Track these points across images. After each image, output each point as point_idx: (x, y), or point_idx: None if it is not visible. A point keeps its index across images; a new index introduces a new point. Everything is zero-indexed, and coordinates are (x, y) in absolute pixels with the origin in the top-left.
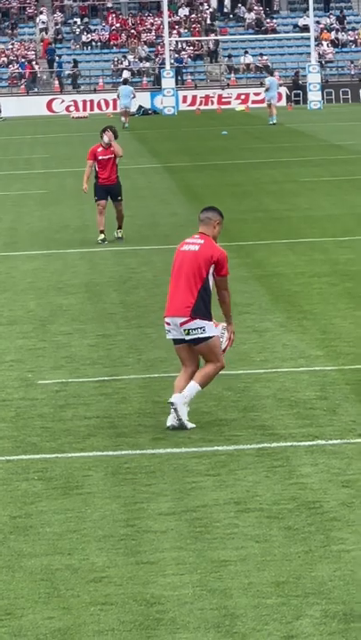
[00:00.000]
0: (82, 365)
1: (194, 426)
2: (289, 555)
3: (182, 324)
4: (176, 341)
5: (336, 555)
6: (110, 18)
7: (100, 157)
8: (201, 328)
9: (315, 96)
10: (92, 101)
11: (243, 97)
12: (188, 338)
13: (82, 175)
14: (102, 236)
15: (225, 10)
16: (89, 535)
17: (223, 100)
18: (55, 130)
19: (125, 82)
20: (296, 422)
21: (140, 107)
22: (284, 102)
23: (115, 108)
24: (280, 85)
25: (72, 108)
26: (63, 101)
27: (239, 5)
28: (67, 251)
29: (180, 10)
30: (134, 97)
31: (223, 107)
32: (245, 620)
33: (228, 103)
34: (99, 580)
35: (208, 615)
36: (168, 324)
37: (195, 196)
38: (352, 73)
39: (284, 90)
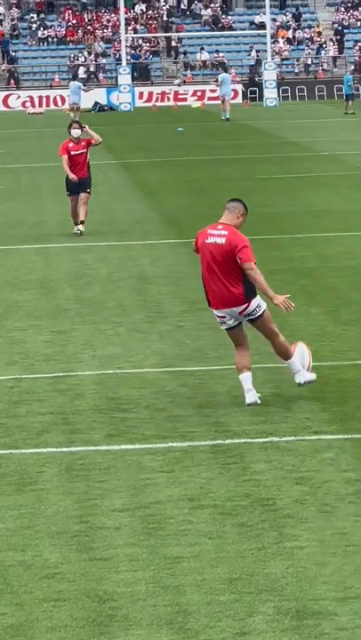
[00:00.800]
0: (36, 361)
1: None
2: (242, 551)
3: (242, 312)
4: (230, 327)
5: (289, 551)
6: (67, 14)
7: (72, 152)
8: (257, 307)
9: (271, 93)
10: (47, 97)
11: (199, 94)
12: (251, 318)
13: (40, 170)
14: (81, 227)
15: (182, 6)
16: (42, 531)
17: (179, 96)
18: (11, 125)
19: (74, 78)
20: (250, 419)
21: (97, 103)
22: (240, 99)
23: (78, 110)
24: (237, 82)
25: (28, 104)
26: (19, 97)
27: (196, 2)
28: (22, 247)
29: (137, 6)
30: (86, 90)
31: (179, 103)
32: (198, 617)
33: (185, 100)
34: (52, 577)
35: (161, 612)
36: (222, 316)
37: (151, 192)
38: (296, 71)
39: (240, 87)
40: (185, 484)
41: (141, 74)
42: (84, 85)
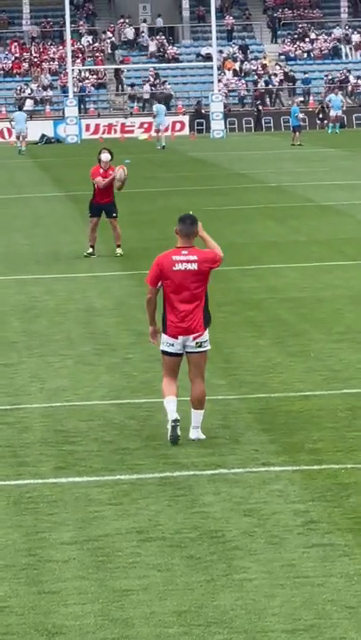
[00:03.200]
0: None
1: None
2: (191, 584)
3: (195, 337)
4: (174, 355)
5: (238, 583)
6: (13, 46)
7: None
8: (207, 341)
9: (218, 125)
10: None
11: (146, 125)
12: (197, 350)
13: None
14: (90, 250)
15: (128, 38)
16: None
17: (126, 128)
18: None
19: (20, 108)
20: (198, 451)
21: (43, 135)
22: (187, 131)
23: (24, 139)
24: (183, 114)
25: None
26: None
27: (142, 34)
28: None
29: (83, 38)
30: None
31: (126, 135)
32: None
33: (132, 132)
34: (0, 610)
35: None
36: (175, 338)
37: (99, 224)
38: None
39: (186, 119)
40: (133, 517)
41: (86, 109)
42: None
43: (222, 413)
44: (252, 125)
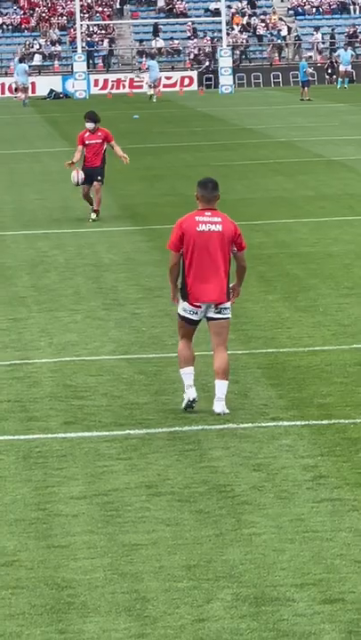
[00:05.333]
0: None
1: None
2: (200, 538)
3: (218, 304)
4: (194, 322)
5: (247, 538)
6: (22, 1)
7: (87, 142)
8: (229, 309)
9: (226, 80)
10: (2, 85)
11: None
12: (219, 316)
13: None
14: (93, 215)
15: None
16: (0, 519)
17: (135, 84)
18: None
19: (21, 60)
20: (207, 406)
21: (52, 90)
22: (195, 86)
23: (26, 91)
24: (191, 69)
25: None
26: None
27: None
28: None
29: None
30: (29, 74)
31: (134, 91)
32: (156, 604)
33: (140, 87)
34: (9, 564)
35: (119, 599)
36: (199, 306)
37: (107, 179)
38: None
39: (195, 74)
40: (142, 472)
41: (94, 64)
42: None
43: (231, 368)
44: (261, 80)
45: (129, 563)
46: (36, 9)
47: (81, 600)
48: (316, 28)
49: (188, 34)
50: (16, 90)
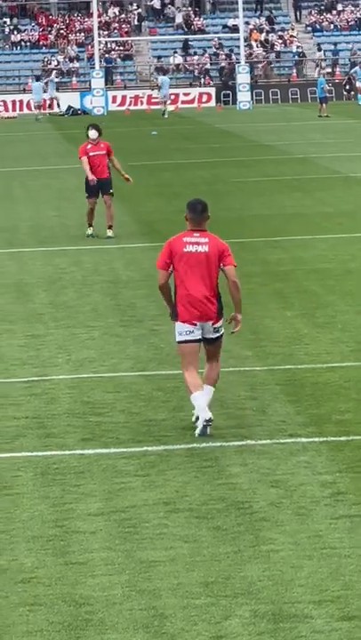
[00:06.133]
0: (11, 366)
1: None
2: (218, 555)
3: (213, 323)
4: (193, 342)
5: (265, 555)
6: (40, 18)
7: (91, 154)
8: (222, 326)
9: (244, 96)
10: (21, 101)
11: (172, 97)
12: (215, 336)
13: (13, 175)
14: (90, 230)
15: (154, 9)
16: (18, 536)
17: (153, 100)
18: None
19: (38, 79)
20: (226, 422)
21: (70, 107)
22: (213, 103)
23: (44, 108)
24: (210, 86)
25: (1, 108)
26: None
27: (168, 6)
28: None
29: (110, 10)
30: (45, 91)
31: (153, 107)
32: (174, 621)
33: (158, 104)
34: (27, 581)
35: (137, 616)
36: (194, 324)
37: (125, 196)
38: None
39: (213, 90)
40: (160, 488)
41: (113, 81)
42: (56, 90)
43: (249, 385)
44: (279, 97)
45: (147, 579)
46: (54, 25)
47: (99, 617)
48: (335, 45)
49: (214, 49)
50: (37, 108)
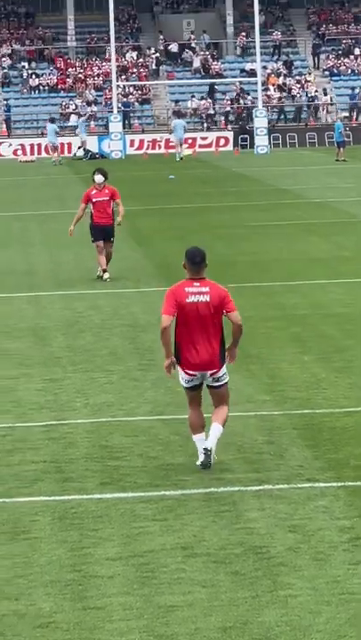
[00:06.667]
0: (29, 410)
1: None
2: (236, 600)
3: (213, 374)
4: (194, 387)
5: (283, 600)
6: (58, 62)
7: (94, 200)
8: (225, 374)
9: (262, 140)
10: (39, 145)
11: (190, 141)
12: (216, 384)
13: (31, 218)
14: (106, 275)
15: (172, 53)
16: (36, 580)
17: (170, 144)
18: (2, 174)
19: (52, 120)
20: (243, 467)
21: (88, 150)
22: (230, 147)
23: (62, 152)
24: (227, 130)
25: (19, 152)
26: (10, 145)
27: (186, 50)
28: (13, 295)
29: (128, 54)
30: (58, 134)
31: (170, 151)
32: None
33: (174, 147)
34: (45, 626)
35: None
36: (194, 375)
37: (143, 239)
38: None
39: (230, 134)
40: (178, 533)
41: (130, 124)
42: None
43: (267, 429)
44: (296, 141)
45: (165, 624)
46: (72, 70)
47: None
48: (352, 89)
49: (235, 94)
50: (50, 150)
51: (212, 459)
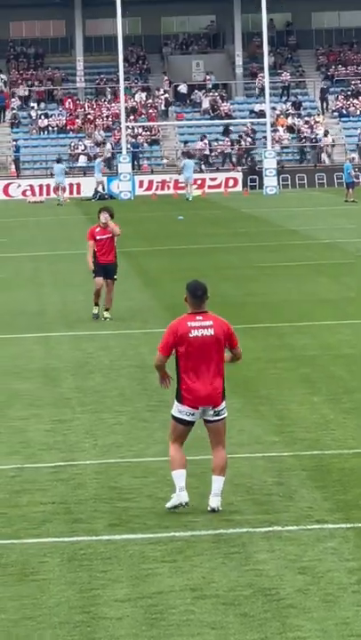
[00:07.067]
0: (38, 450)
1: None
2: None
3: (214, 407)
4: (189, 423)
5: None
6: (67, 103)
7: (98, 237)
8: (225, 408)
9: (271, 181)
10: (48, 186)
11: (199, 182)
12: (216, 418)
13: (41, 259)
14: (96, 310)
15: (181, 94)
16: (44, 622)
17: (179, 184)
18: (11, 214)
19: (59, 161)
20: (252, 508)
21: (97, 191)
22: (240, 187)
23: (70, 192)
24: (237, 170)
25: (28, 193)
26: (20, 186)
27: (195, 91)
28: (23, 335)
29: (137, 95)
30: (67, 174)
31: (179, 192)
32: None
33: (183, 188)
34: None
35: None
36: (196, 409)
37: (152, 280)
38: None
39: (240, 175)
40: (187, 574)
41: (139, 165)
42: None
43: (276, 470)
44: (305, 182)
45: None
46: (81, 110)
47: None
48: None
49: (245, 134)
50: (56, 190)
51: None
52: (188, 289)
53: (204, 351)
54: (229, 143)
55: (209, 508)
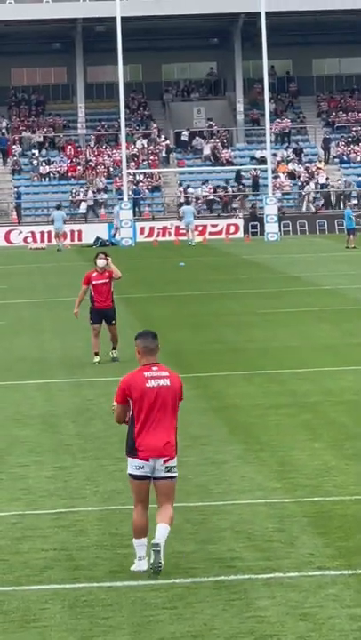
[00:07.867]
0: (39, 497)
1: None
2: None
3: (166, 461)
4: (142, 478)
5: None
6: (68, 150)
7: (94, 282)
8: (176, 467)
9: (272, 228)
10: (49, 232)
11: (200, 228)
12: (167, 475)
13: (42, 305)
14: (97, 359)
15: (182, 140)
16: None
17: (180, 231)
18: (13, 261)
19: (58, 207)
20: (254, 555)
21: (98, 238)
22: (241, 234)
23: (72, 239)
24: (238, 217)
25: (30, 239)
26: (21, 232)
27: (197, 138)
28: (24, 382)
29: (138, 141)
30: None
31: (180, 238)
32: None
33: (186, 234)
34: None
35: None
36: (146, 461)
37: (153, 327)
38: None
39: (241, 221)
40: (189, 621)
41: (140, 212)
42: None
43: (277, 517)
44: (306, 228)
45: None
46: (83, 157)
47: None
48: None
49: (250, 181)
50: (56, 236)
51: (162, 558)
52: (139, 336)
53: (161, 401)
54: (240, 189)
55: (152, 544)
